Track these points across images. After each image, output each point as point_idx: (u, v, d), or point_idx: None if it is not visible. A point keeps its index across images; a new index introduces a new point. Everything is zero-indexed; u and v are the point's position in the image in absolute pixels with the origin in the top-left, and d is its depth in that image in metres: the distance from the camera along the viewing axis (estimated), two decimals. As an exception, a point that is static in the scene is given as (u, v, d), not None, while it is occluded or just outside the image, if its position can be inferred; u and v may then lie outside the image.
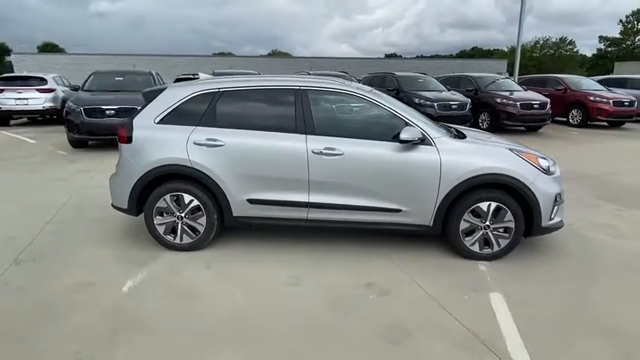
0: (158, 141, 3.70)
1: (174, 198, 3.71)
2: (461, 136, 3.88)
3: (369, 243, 3.98)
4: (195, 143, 3.63)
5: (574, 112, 13.03)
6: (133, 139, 3.70)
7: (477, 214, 3.59)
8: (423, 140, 3.55)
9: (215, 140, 3.61)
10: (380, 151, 3.58)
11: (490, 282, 3.33)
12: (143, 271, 3.46)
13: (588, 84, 13.99)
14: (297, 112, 3.65)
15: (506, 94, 11.62)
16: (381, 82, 12.56)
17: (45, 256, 3.68)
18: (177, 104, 3.74)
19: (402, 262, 3.65)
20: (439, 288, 3.22)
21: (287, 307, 2.98)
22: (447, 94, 11.44)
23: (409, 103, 9.14)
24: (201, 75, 6.13)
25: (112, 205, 3.95)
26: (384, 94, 4.07)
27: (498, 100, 11.48)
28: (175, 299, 3.06)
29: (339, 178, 3.58)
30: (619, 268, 3.60)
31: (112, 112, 8.22)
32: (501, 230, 3.61)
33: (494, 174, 3.52)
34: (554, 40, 64.12)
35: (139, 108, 3.99)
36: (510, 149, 3.68)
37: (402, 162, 3.56)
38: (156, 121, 3.73)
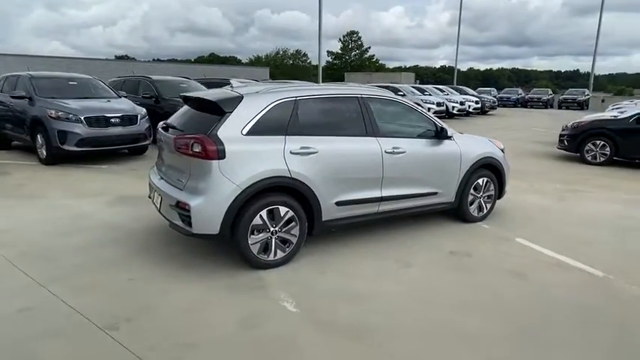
0: (254, 153, 3.44)
1: (269, 212, 3.54)
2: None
3: (396, 232, 4.76)
4: (291, 153, 3.57)
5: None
6: (226, 153, 3.31)
7: (476, 188, 4.91)
8: (451, 137, 4.60)
9: (308, 148, 3.65)
10: (427, 146, 4.44)
11: (507, 232, 4.71)
12: (269, 294, 3.26)
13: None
14: (365, 118, 4.08)
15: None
16: (134, 87, 10.58)
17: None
18: (261, 114, 3.55)
19: (442, 235, 4.62)
20: (481, 240, 4.37)
21: (427, 284, 3.54)
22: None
23: (174, 111, 8.56)
24: (234, 82, 5.29)
25: (192, 233, 3.37)
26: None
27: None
28: (346, 302, 3.14)
29: (402, 173, 4.23)
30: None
31: (117, 120, 7.91)
32: (487, 197, 5.05)
33: (487, 157, 4.91)
34: (291, 51, 74.42)
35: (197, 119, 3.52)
36: (488, 139, 5.15)
37: (439, 154, 4.52)
38: (244, 133, 3.45)
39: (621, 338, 2.83)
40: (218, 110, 3.49)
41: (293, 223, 3.66)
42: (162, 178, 3.86)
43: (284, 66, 68.39)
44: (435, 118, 4.70)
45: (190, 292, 3.24)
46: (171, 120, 4.03)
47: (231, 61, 74.67)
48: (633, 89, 66.06)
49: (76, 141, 7.59)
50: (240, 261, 3.64)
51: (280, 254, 3.67)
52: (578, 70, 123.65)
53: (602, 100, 28.83)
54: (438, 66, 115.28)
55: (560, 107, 30.41)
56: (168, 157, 3.83)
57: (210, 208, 3.32)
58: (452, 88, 23.86)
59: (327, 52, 67.76)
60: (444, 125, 4.64)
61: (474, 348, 2.66)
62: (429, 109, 19.00)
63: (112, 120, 8.01)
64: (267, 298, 3.17)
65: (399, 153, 4.17)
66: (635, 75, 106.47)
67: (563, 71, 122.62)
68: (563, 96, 31.28)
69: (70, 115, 7.63)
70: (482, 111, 22.76)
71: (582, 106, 29.66)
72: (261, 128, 3.53)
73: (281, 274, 3.55)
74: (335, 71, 62.65)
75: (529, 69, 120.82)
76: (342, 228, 4.12)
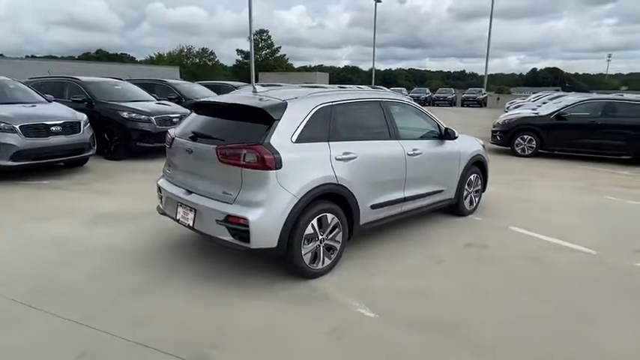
0: (305, 161, 3.38)
1: (318, 220, 3.49)
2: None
3: (406, 231, 4.98)
4: (336, 159, 3.56)
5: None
6: (282, 162, 3.19)
7: (469, 183, 5.33)
8: (457, 137, 4.94)
9: (349, 153, 3.67)
10: (436, 147, 4.72)
11: (499, 222, 5.18)
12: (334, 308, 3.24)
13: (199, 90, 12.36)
14: (387, 121, 4.21)
15: (135, 105, 8.78)
16: (57, 90, 9.27)
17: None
18: (306, 120, 3.48)
19: (451, 229, 4.94)
20: (484, 231, 4.79)
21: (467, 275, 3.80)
22: (162, 107, 9.28)
23: (113, 118, 8.44)
24: (259, 87, 4.85)
25: (249, 249, 3.19)
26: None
27: (125, 115, 8.45)
28: (411, 301, 3.24)
29: (419, 173, 4.45)
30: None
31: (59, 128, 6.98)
32: (475, 192, 5.51)
33: (478, 154, 5.36)
34: (197, 49, 71.44)
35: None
36: (475, 138, 5.60)
37: (445, 153, 4.84)
38: (293, 140, 3.35)
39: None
40: (265, 118, 3.34)
41: (337, 230, 3.66)
42: (193, 192, 3.57)
43: (190, 65, 65.48)
44: (438, 119, 4.99)
45: (257, 309, 3.08)
46: (194, 128, 3.75)
47: (123, 58, 69.21)
48: (510, 88, 75.40)
49: (11, 154, 6.56)
50: (275, 273, 3.57)
51: (327, 262, 3.64)
52: (464, 70, 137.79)
53: (498, 99, 32.58)
54: (341, 66, 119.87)
55: (462, 105, 33.66)
56: (202, 168, 3.54)
57: (269, 221, 3.18)
58: (372, 88, 24.84)
59: (237, 50, 66.54)
60: (448, 127, 4.96)
61: (548, 325, 2.95)
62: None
63: (53, 128, 7.05)
64: (339, 307, 3.15)
65: (417, 154, 4.37)
66: (509, 75, 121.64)
67: (452, 72, 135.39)
68: (465, 95, 34.70)
69: (2, 124, 6.57)
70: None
71: (481, 103, 33.20)
72: (307, 135, 3.46)
73: (333, 282, 3.53)
74: (246, 71, 61.71)
75: (423, 69, 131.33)
76: (369, 231, 4.21)
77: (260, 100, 3.57)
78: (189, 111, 8.88)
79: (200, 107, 3.98)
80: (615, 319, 3.09)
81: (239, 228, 3.17)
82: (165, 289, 3.36)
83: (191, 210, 3.49)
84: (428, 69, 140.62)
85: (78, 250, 4.05)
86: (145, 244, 4.23)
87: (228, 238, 3.24)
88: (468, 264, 4.00)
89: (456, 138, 4.93)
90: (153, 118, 8.66)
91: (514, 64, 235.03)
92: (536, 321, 3.02)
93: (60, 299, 3.16)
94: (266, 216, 3.17)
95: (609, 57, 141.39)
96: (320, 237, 3.51)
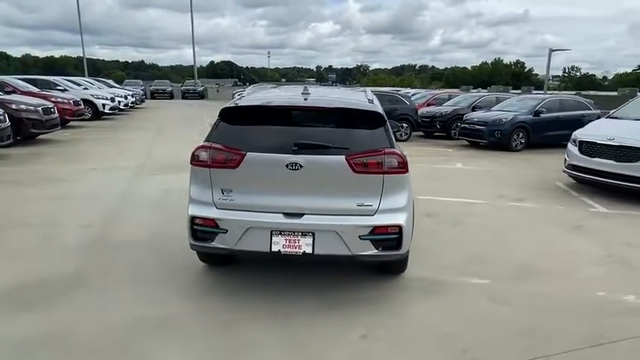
0: None
1: None
2: None
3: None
4: None
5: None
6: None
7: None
8: None
9: None
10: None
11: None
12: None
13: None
14: None
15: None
16: None
17: None
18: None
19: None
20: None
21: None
22: None
23: None
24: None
25: (399, 255, 3.07)
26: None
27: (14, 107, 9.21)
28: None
29: None
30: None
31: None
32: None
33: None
34: None
35: None
36: None
37: None
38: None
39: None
40: (376, 120, 3.13)
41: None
42: (304, 214, 2.97)
43: None
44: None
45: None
46: (286, 139, 3.02)
47: None
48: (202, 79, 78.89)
49: None
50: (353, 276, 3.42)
51: None
52: (143, 60, 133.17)
53: (217, 91, 33.97)
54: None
55: (184, 97, 33.17)
56: (321, 184, 2.98)
57: (410, 224, 3.11)
58: (88, 80, 19.70)
59: None
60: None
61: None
62: (103, 106, 16.59)
63: None
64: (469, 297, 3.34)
65: None
66: (190, 67, 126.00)
67: (130, 62, 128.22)
68: (185, 87, 34.26)
69: None
70: (129, 106, 19.95)
71: (202, 95, 33.69)
72: None
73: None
74: None
75: (96, 58, 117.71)
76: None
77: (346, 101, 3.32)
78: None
79: (266, 112, 3.22)
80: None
81: (388, 237, 2.98)
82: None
83: (305, 235, 2.92)
84: (101, 58, 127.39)
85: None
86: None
87: (372, 252, 2.97)
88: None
89: None
90: None
91: (191, 56, 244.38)
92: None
93: None
94: (409, 219, 3.08)
95: (269, 54, 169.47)
96: None
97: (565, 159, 6.62)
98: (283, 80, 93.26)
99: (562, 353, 2.56)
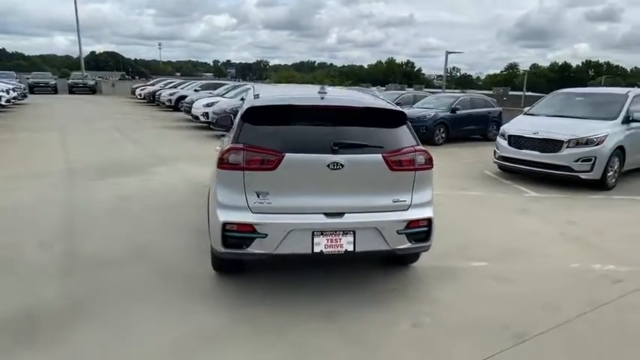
0: None
1: None
2: None
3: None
4: None
5: None
6: None
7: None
8: None
9: None
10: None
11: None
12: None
13: None
14: None
15: None
16: None
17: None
18: None
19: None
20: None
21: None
22: None
23: None
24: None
25: (427, 247, 3.30)
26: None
27: None
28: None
29: None
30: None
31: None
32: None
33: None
34: None
35: None
36: None
37: None
38: None
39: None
40: (400, 120, 3.29)
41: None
42: (344, 212, 3.02)
43: None
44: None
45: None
46: (325, 138, 3.03)
47: None
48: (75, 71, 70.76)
49: None
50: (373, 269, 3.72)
51: None
52: (4, 48, 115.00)
53: (113, 85, 30.90)
54: None
55: (71, 92, 29.49)
56: (360, 182, 3.06)
57: (433, 217, 3.29)
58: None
59: None
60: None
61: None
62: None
63: None
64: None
65: None
66: (65, 57, 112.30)
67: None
68: (73, 80, 30.35)
69: None
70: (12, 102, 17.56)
71: (93, 89, 30.32)
72: None
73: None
74: None
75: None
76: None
77: (372, 101, 3.41)
78: None
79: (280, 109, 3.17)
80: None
81: (420, 230, 3.18)
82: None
83: (346, 233, 3.00)
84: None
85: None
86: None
87: (407, 245, 3.15)
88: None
89: None
90: None
91: (64, 44, 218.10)
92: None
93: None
94: (433, 212, 3.29)
95: (160, 45, 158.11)
96: None
97: (495, 151, 7.52)
98: (178, 74, 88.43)
99: (581, 315, 3.03)
